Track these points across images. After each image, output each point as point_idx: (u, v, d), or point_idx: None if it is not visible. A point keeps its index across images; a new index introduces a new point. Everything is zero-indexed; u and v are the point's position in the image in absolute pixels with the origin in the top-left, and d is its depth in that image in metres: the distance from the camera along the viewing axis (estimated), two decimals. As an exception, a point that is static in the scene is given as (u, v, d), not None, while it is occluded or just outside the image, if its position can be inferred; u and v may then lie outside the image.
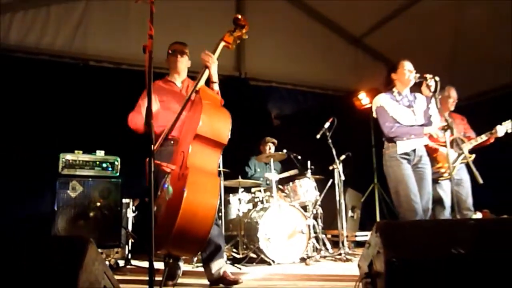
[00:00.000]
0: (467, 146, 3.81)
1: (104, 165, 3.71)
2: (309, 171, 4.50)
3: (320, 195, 4.43)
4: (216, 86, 2.78)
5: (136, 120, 2.86)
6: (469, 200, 3.77)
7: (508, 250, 2.01)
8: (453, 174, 3.66)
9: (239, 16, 2.80)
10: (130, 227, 3.97)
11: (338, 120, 4.65)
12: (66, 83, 4.82)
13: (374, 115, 3.43)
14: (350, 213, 5.28)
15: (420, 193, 3.14)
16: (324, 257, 4.21)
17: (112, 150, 3.89)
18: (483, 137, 3.82)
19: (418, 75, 3.21)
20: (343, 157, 4.61)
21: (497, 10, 4.68)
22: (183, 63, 2.99)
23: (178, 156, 2.51)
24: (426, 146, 3.39)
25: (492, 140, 3.84)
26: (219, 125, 2.52)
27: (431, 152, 3.65)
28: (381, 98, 3.37)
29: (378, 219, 5.94)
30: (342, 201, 4.47)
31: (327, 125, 4.59)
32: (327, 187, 4.54)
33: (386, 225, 2.08)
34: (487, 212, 4.96)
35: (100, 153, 3.77)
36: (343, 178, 4.48)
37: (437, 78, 3.07)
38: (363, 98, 6.12)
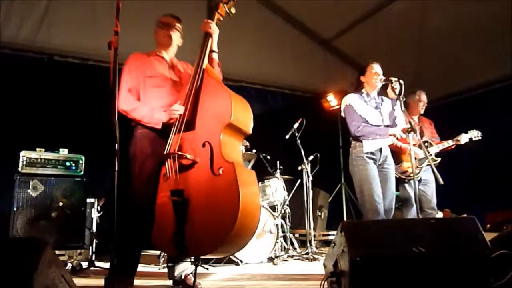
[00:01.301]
0: (434, 150, 3.98)
1: (68, 163, 3.60)
2: (278, 171, 4.53)
3: (288, 195, 4.47)
4: (216, 56, 2.64)
5: (142, 111, 2.52)
6: (434, 200, 3.89)
7: (466, 248, 2.10)
8: (420, 175, 3.85)
9: None
10: (94, 227, 3.86)
11: (307, 121, 4.71)
12: (29, 78, 4.62)
13: (342, 114, 3.51)
14: (317, 213, 5.36)
15: (384, 193, 3.23)
16: (292, 256, 4.26)
17: (76, 148, 3.77)
18: (450, 143, 4.02)
19: (384, 77, 3.32)
20: (311, 157, 4.66)
21: (459, 16, 4.87)
22: (175, 39, 2.73)
23: (195, 145, 2.28)
24: (396, 146, 3.50)
25: (454, 145, 4.05)
26: (246, 113, 2.38)
27: (401, 152, 3.77)
28: (350, 97, 3.45)
29: (345, 218, 6.05)
30: (310, 200, 4.53)
31: (296, 125, 4.65)
32: (295, 187, 4.59)
33: (350, 224, 2.12)
34: (448, 211, 5.15)
35: (64, 152, 3.65)
36: (311, 178, 4.54)
37: (401, 81, 3.19)
38: (332, 100, 6.23)
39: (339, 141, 6.35)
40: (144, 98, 2.57)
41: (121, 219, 2.33)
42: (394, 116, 3.45)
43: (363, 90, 3.46)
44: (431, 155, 3.90)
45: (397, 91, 3.18)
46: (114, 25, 1.78)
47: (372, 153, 3.29)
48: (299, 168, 4.60)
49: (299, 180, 4.61)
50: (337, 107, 6.18)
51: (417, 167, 3.86)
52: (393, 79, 3.21)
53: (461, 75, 5.53)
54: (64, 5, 4.82)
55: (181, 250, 2.17)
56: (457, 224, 2.17)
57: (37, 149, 3.54)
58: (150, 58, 2.69)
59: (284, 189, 4.44)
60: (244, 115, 2.34)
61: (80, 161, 3.67)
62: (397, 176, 3.93)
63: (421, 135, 4.02)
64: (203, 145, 2.24)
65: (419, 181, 3.85)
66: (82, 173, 3.66)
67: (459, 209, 5.04)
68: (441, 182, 2.98)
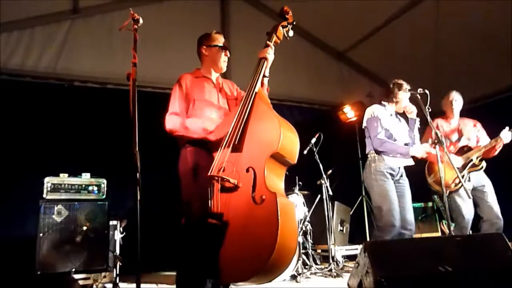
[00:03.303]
0: (475, 154, 3.74)
1: (90, 188, 3.67)
2: (297, 186, 4.51)
3: (308, 211, 4.44)
4: (266, 81, 2.59)
5: (194, 125, 2.45)
6: (496, 207, 3.63)
7: (494, 265, 2.04)
8: (470, 183, 3.68)
9: (286, 8, 2.70)
10: (117, 250, 3.91)
11: (324, 134, 4.70)
12: (50, 104, 4.77)
13: (365, 124, 3.46)
14: (339, 227, 5.29)
15: (400, 208, 3.20)
16: (315, 273, 4.21)
17: (98, 171, 3.85)
18: (491, 143, 3.70)
19: (408, 87, 3.34)
20: (330, 171, 4.63)
21: (473, 23, 4.83)
22: (226, 63, 2.71)
23: (239, 168, 2.22)
24: (429, 156, 3.44)
25: (498, 147, 3.69)
26: (293, 143, 2.29)
27: (434, 162, 3.65)
28: (375, 108, 3.43)
29: (367, 231, 5.96)
30: (331, 215, 4.49)
31: (313, 140, 4.63)
32: (315, 202, 4.56)
33: (373, 245, 2.10)
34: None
35: (86, 176, 3.73)
36: (330, 193, 4.51)
37: (427, 91, 3.14)
38: (348, 112, 6.20)
39: (358, 152, 6.28)
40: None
41: (184, 244, 2.31)
42: (413, 135, 3.41)
43: (387, 104, 3.44)
44: (471, 160, 3.70)
45: (413, 114, 3.27)
46: (132, 57, 1.83)
47: (392, 168, 3.25)
48: (318, 182, 4.58)
49: (318, 196, 4.57)
50: (354, 118, 6.16)
51: (457, 176, 3.55)
52: (419, 90, 3.17)
53: (478, 83, 5.43)
54: (82, 30, 4.98)
55: (212, 275, 2.16)
56: (484, 241, 2.12)
57: (61, 175, 3.63)
58: (199, 80, 2.64)
59: (304, 205, 4.41)
60: (291, 145, 2.27)
61: (102, 185, 3.74)
62: (435, 189, 3.89)
63: (459, 139, 3.87)
64: (247, 170, 2.19)
65: (472, 189, 3.66)
66: (104, 196, 3.73)
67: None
68: (470, 196, 2.91)
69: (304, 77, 6.24)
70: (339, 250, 4.80)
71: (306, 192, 4.60)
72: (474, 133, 3.97)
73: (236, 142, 2.28)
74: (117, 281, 3.65)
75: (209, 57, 2.66)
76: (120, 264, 3.77)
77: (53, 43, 4.91)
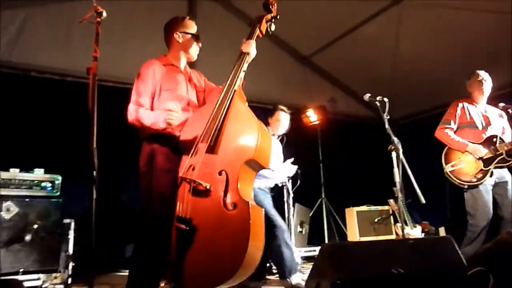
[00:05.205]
0: (506, 148, 3.43)
1: (44, 184, 3.50)
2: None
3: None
4: (243, 75, 2.48)
5: (152, 117, 2.29)
6: None
7: (443, 267, 2.14)
8: (492, 178, 3.43)
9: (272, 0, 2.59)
10: (70, 250, 3.75)
11: (288, 137, 4.74)
12: (3, 94, 4.52)
13: None
14: (298, 228, 5.36)
15: None
16: (274, 274, 4.23)
17: (52, 167, 3.68)
18: None
19: (368, 95, 3.29)
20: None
21: (433, 35, 5.05)
22: (198, 52, 2.61)
23: (212, 170, 2.11)
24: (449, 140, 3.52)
25: None
26: (269, 148, 2.20)
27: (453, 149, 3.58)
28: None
29: (326, 232, 6.08)
30: (291, 218, 4.53)
31: (277, 142, 4.66)
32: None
33: (331, 247, 2.14)
34: (426, 224, 5.19)
35: (39, 171, 3.56)
36: (292, 195, 4.56)
37: (385, 99, 3.17)
38: (311, 115, 6.29)
39: (319, 155, 6.41)
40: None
41: (139, 245, 2.25)
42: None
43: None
44: (501, 154, 3.40)
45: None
46: (93, 51, 1.76)
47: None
48: (280, 184, 4.61)
49: (279, 197, 4.61)
50: (317, 122, 6.26)
51: (481, 169, 3.43)
52: (378, 97, 3.24)
53: (437, 92, 5.68)
54: (40, 20, 4.75)
55: (175, 281, 2.10)
56: (434, 244, 2.22)
57: (11, 170, 3.44)
58: (167, 68, 2.48)
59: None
60: (267, 151, 2.20)
61: (57, 181, 3.58)
62: (452, 180, 3.53)
63: (486, 127, 3.56)
64: (220, 174, 2.10)
65: (495, 185, 3.45)
66: (58, 193, 3.57)
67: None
68: (423, 201, 2.87)
69: (269, 79, 6.26)
70: (297, 252, 4.86)
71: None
72: (501, 124, 3.67)
73: (211, 143, 2.17)
74: (69, 282, 3.51)
75: (182, 45, 2.53)
76: (73, 264, 3.63)
77: (9, 30, 4.66)
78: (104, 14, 1.86)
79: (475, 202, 3.44)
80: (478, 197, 3.43)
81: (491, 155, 3.45)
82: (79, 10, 4.71)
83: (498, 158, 3.43)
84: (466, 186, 3.50)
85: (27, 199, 3.39)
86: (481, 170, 3.44)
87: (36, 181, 3.49)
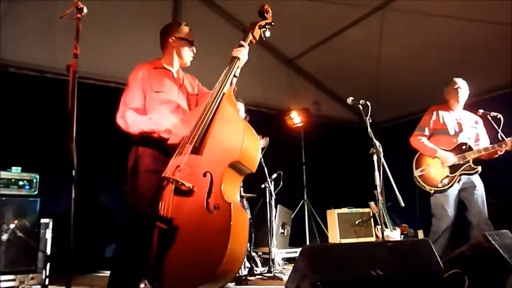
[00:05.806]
0: (473, 156, 3.51)
1: (21, 183, 3.42)
2: (241, 189, 4.51)
3: (251, 213, 4.47)
4: (235, 81, 2.48)
5: (140, 123, 2.30)
6: (485, 212, 3.46)
7: (421, 269, 2.18)
8: (458, 184, 3.51)
9: (267, 7, 2.62)
10: (48, 250, 3.68)
11: (270, 138, 4.75)
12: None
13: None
14: (280, 230, 5.38)
15: None
16: (255, 275, 4.24)
17: (30, 166, 3.60)
18: (489, 148, 3.49)
19: (352, 98, 3.31)
20: (274, 175, 4.69)
21: (414, 42, 5.15)
22: (191, 59, 2.63)
23: (197, 171, 2.11)
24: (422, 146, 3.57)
25: (500, 152, 3.49)
26: (256, 151, 2.19)
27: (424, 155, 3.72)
28: None
29: (307, 234, 6.12)
30: (273, 219, 4.54)
31: (261, 144, 4.66)
32: (258, 205, 4.60)
33: (311, 249, 2.16)
34: (405, 226, 5.27)
35: (17, 170, 3.48)
36: (274, 196, 4.57)
37: (368, 103, 3.17)
38: (295, 117, 6.33)
39: (302, 157, 6.45)
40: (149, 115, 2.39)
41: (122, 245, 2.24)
42: None
43: None
44: (467, 162, 3.48)
45: None
46: (73, 47, 1.73)
47: None
48: (262, 186, 4.62)
49: (261, 199, 4.62)
50: (300, 124, 6.30)
51: (447, 176, 3.53)
52: (361, 101, 3.26)
53: (419, 98, 5.76)
54: (20, 15, 4.64)
55: (154, 280, 2.08)
56: (413, 246, 2.26)
57: (-13, 168, 3.36)
58: (159, 71, 2.49)
59: (247, 208, 4.43)
60: (253, 155, 2.17)
61: (35, 180, 3.51)
62: (418, 185, 3.65)
63: (457, 134, 3.65)
64: (204, 175, 2.09)
65: (461, 190, 3.53)
66: (36, 192, 3.50)
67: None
68: (402, 204, 2.88)
69: (253, 81, 6.25)
70: (279, 253, 4.88)
71: (249, 195, 4.61)
72: (474, 131, 3.74)
73: (197, 144, 2.17)
74: (46, 283, 3.43)
75: (176, 50, 2.55)
76: (50, 265, 3.56)
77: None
78: (85, 10, 1.83)
79: (438, 206, 3.57)
80: (443, 201, 3.54)
81: (458, 162, 3.56)
82: (61, 5, 4.64)
83: (465, 166, 3.53)
84: (432, 191, 3.63)
85: (3, 198, 3.30)
86: (447, 176, 3.57)
87: (13, 180, 3.41)
